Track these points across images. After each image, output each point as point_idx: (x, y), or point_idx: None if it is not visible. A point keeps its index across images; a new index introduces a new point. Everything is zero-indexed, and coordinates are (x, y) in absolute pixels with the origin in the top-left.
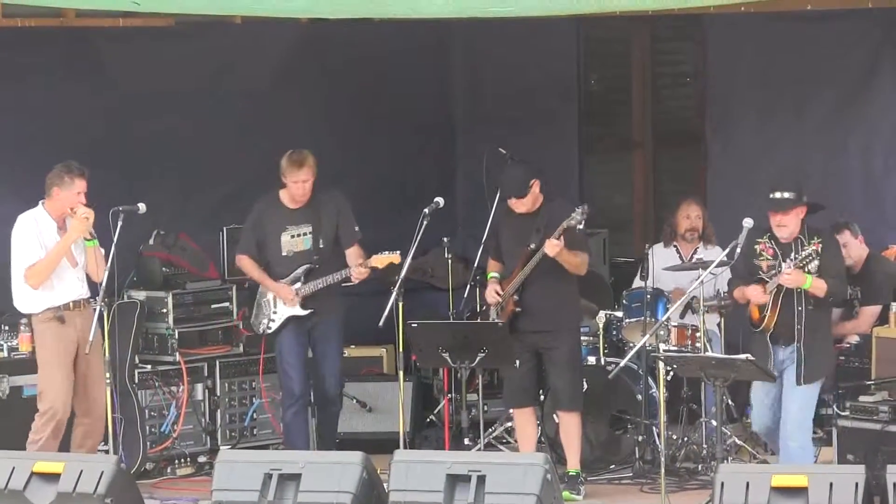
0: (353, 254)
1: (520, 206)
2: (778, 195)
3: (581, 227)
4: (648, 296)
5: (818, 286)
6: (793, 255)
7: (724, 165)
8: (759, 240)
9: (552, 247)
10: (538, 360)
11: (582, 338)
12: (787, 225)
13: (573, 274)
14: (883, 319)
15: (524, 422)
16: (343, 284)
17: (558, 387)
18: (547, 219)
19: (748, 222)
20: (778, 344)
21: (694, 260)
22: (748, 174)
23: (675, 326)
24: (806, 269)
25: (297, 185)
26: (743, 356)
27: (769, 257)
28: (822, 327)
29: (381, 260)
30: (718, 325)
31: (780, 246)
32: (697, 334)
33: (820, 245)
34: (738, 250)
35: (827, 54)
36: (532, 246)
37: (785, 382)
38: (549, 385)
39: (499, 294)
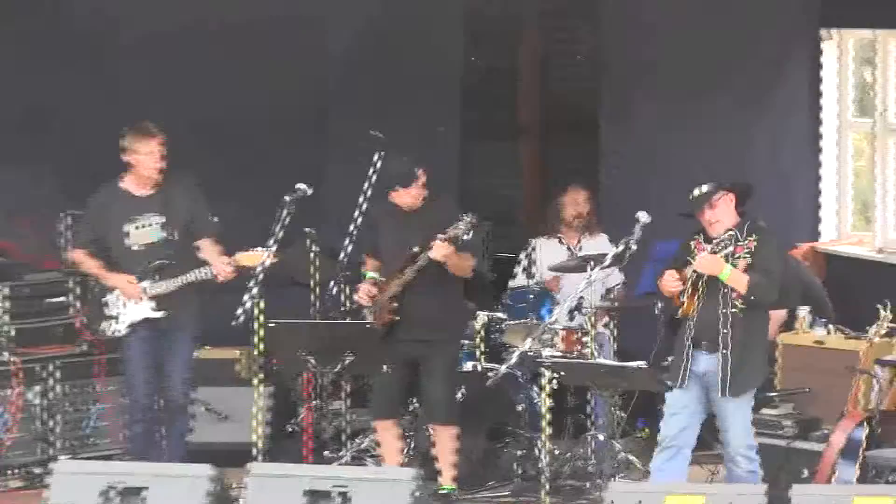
0: (208, 248)
1: (405, 198)
2: (696, 192)
3: (467, 237)
4: (533, 295)
5: (737, 279)
6: (705, 245)
7: (620, 153)
8: (695, 236)
9: (440, 250)
10: (411, 370)
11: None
12: (718, 219)
13: (458, 277)
14: (789, 325)
15: (388, 435)
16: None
17: (433, 398)
18: (433, 219)
19: (643, 216)
20: (700, 349)
21: (581, 252)
22: (647, 163)
23: (562, 329)
24: (730, 262)
25: (147, 157)
26: (636, 363)
27: (696, 251)
28: (754, 334)
29: (251, 258)
30: (608, 326)
31: (710, 241)
32: (586, 339)
33: (755, 242)
34: (632, 247)
35: (734, 37)
36: (415, 249)
37: (713, 393)
38: (422, 396)
39: (372, 295)
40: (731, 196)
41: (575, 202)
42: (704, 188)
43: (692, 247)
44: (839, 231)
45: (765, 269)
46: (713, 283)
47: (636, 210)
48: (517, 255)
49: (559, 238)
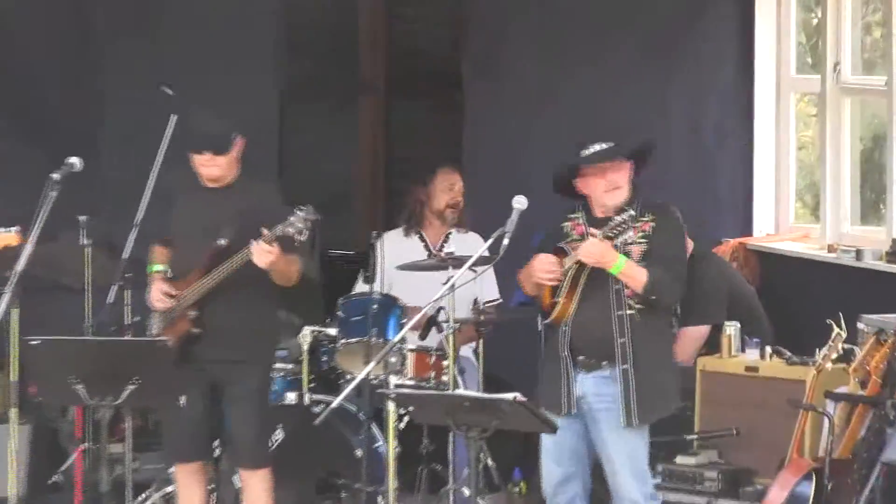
0: None
1: (212, 168)
2: (596, 147)
3: (302, 238)
4: (375, 306)
5: (633, 273)
6: (592, 230)
7: (488, 123)
8: (571, 216)
9: (264, 255)
10: (214, 400)
11: (278, 365)
12: (619, 185)
13: (278, 284)
14: (711, 346)
15: (190, 483)
16: None
17: (242, 437)
18: (244, 205)
19: (520, 202)
20: (581, 366)
21: (443, 252)
22: (524, 134)
23: (412, 351)
24: (622, 250)
25: None
26: (510, 395)
27: (576, 237)
28: (657, 343)
29: None
30: (476, 351)
31: (594, 222)
32: (444, 363)
33: (652, 223)
34: (506, 240)
35: None
36: (223, 242)
37: (600, 426)
38: (228, 434)
39: (170, 297)
40: (629, 165)
41: (449, 188)
42: (605, 145)
43: (568, 229)
44: (777, 223)
45: (665, 258)
46: (598, 277)
47: (510, 194)
48: (353, 253)
49: (421, 234)
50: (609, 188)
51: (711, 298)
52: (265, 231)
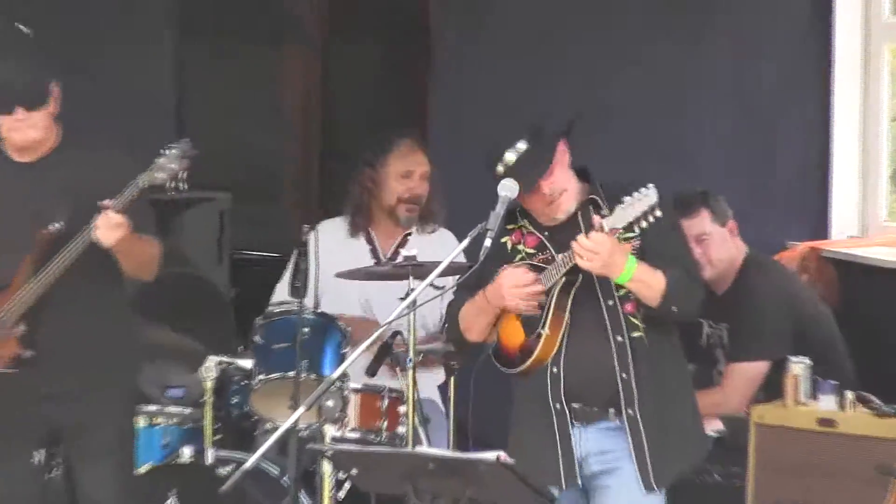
0: None
1: (26, 131)
2: (510, 157)
3: (180, 186)
4: (306, 329)
5: (646, 279)
6: (603, 218)
7: (464, 83)
8: (511, 226)
9: (110, 230)
10: (56, 452)
11: (171, 409)
12: (554, 196)
13: (135, 277)
14: (770, 390)
15: None
16: None
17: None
18: (79, 176)
19: (508, 188)
20: (581, 418)
21: (400, 258)
22: (509, 102)
23: (357, 392)
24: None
25: None
26: (491, 454)
27: (532, 251)
28: (671, 371)
29: None
30: (445, 393)
31: (551, 231)
32: (401, 409)
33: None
34: (488, 241)
35: None
36: (56, 226)
37: (608, 495)
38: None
39: None
40: (563, 145)
41: (405, 174)
42: (523, 145)
43: (509, 245)
44: (864, 222)
45: (673, 253)
46: (585, 290)
47: (484, 180)
48: (278, 255)
49: (370, 234)
50: (544, 205)
51: (770, 324)
52: (108, 202)
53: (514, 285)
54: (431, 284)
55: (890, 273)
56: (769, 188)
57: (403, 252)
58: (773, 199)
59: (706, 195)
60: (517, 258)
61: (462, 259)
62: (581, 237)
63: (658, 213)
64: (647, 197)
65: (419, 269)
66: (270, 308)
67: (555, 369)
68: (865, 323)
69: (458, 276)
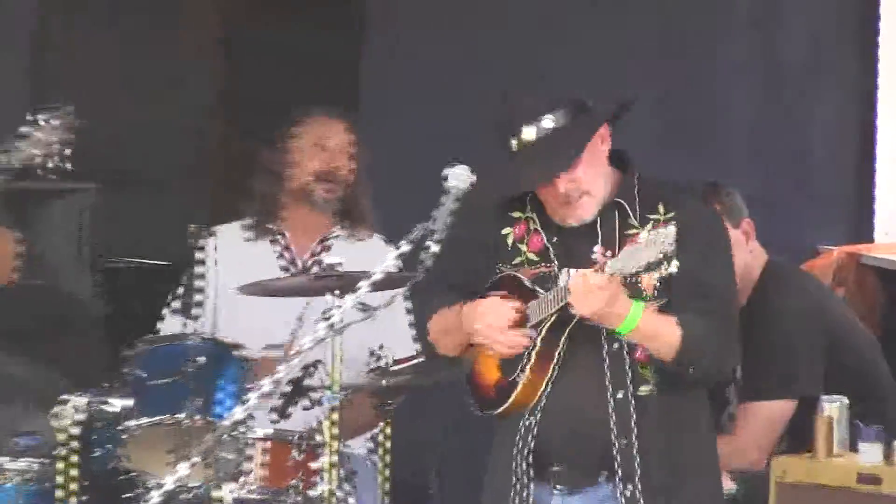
0: None
1: None
2: (529, 132)
3: (48, 162)
4: (197, 359)
5: (654, 331)
6: (597, 249)
7: (405, 53)
8: (518, 215)
9: None
10: None
11: (20, 464)
12: (571, 197)
13: None
14: (796, 437)
15: None
16: None
17: None
18: None
19: (459, 177)
20: (561, 482)
21: (318, 267)
22: (459, 76)
23: (263, 440)
24: (636, 284)
25: None
26: None
27: (534, 258)
28: (689, 439)
29: None
30: (375, 442)
31: (562, 235)
32: (319, 462)
33: (672, 220)
34: (433, 247)
35: None
36: None
37: None
38: None
39: None
40: (604, 130)
41: (318, 144)
42: (550, 122)
43: (510, 240)
44: None
45: (703, 290)
46: (585, 335)
47: (438, 168)
48: (166, 263)
49: (282, 238)
50: (558, 205)
51: (796, 353)
52: None
53: (492, 326)
54: (359, 303)
55: None
56: (797, 179)
57: (324, 260)
58: (801, 191)
59: (715, 188)
60: (517, 260)
61: (400, 268)
62: (575, 278)
63: (674, 265)
64: (662, 238)
65: (344, 282)
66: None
67: (529, 420)
68: None
69: (397, 290)
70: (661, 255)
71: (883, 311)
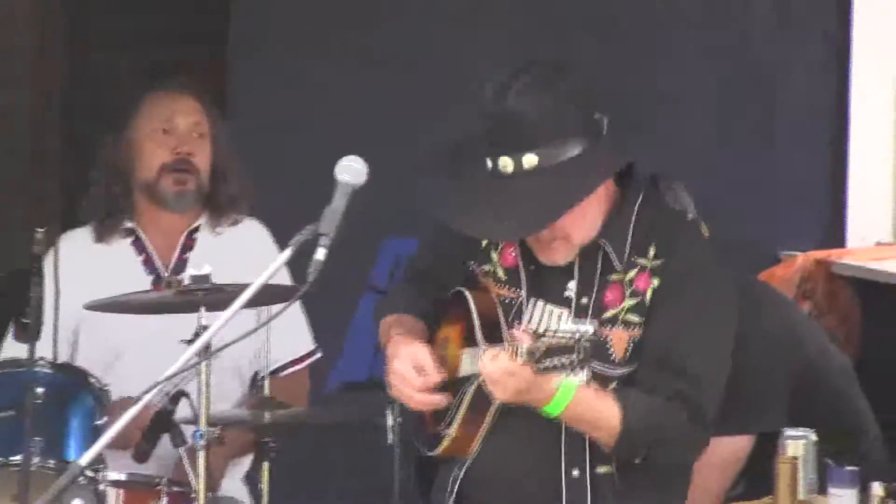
0: None
1: None
2: (504, 164)
3: None
4: (40, 389)
5: (589, 415)
6: (522, 327)
7: (281, 14)
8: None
9: None
10: None
11: None
12: (543, 242)
13: None
14: (756, 478)
15: None
16: None
17: None
18: None
19: (352, 169)
20: None
21: (187, 273)
22: (345, 40)
23: (119, 485)
24: (604, 346)
25: None
26: None
27: (502, 275)
28: None
29: None
30: (256, 483)
31: (539, 265)
32: None
33: (657, 272)
34: (322, 254)
35: None
36: None
37: None
38: None
39: None
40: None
41: (165, 123)
42: (527, 159)
43: (494, 255)
44: None
45: (680, 367)
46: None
47: (332, 156)
48: (6, 273)
49: (138, 237)
50: (546, 242)
51: (753, 381)
52: None
53: (401, 380)
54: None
55: None
56: (757, 172)
57: (189, 269)
58: (761, 188)
59: (654, 180)
60: (487, 266)
61: (285, 279)
62: (486, 360)
63: (582, 375)
64: (576, 333)
65: (215, 297)
66: None
67: (457, 471)
68: None
69: (282, 304)
70: (574, 356)
71: (857, 327)
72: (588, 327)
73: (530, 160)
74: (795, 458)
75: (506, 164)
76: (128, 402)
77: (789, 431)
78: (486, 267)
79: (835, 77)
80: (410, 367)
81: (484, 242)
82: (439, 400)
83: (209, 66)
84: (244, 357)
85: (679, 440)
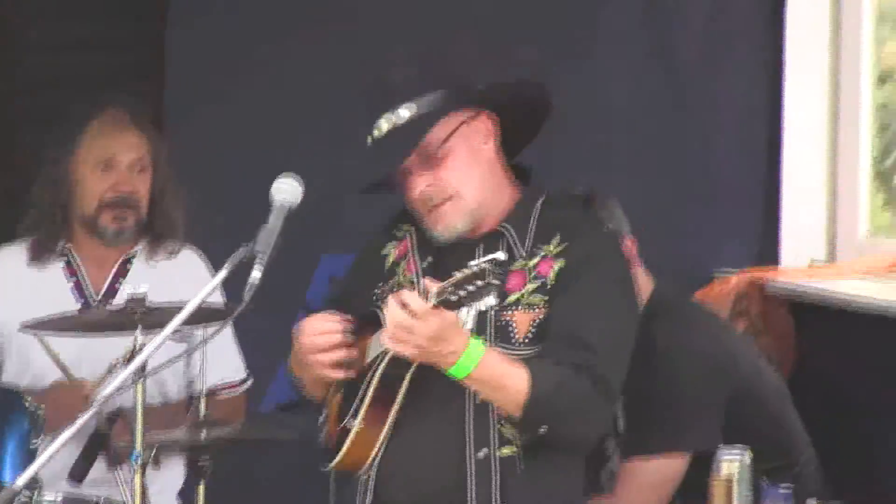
0: None
1: None
2: (389, 120)
3: None
4: None
5: (497, 379)
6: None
7: (216, 22)
8: (401, 231)
9: None
10: None
11: None
12: (432, 199)
13: None
14: (690, 499)
15: None
16: None
17: None
18: None
19: (286, 189)
20: None
21: (121, 295)
22: (289, 46)
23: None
24: (506, 326)
25: None
26: None
27: (409, 279)
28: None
29: None
30: (185, 496)
31: (438, 257)
32: None
33: (559, 255)
34: (257, 273)
35: None
36: None
37: None
38: None
39: None
40: (489, 124)
41: (105, 158)
42: (406, 110)
43: (390, 259)
44: (833, 240)
45: (586, 343)
46: (442, 381)
47: (269, 173)
48: None
49: (67, 258)
50: (425, 206)
51: (688, 400)
52: None
53: (309, 334)
54: (174, 336)
55: (877, 319)
56: (690, 188)
57: (127, 287)
58: (694, 203)
59: (588, 196)
60: (394, 281)
61: (218, 298)
62: (391, 302)
63: (491, 301)
64: (489, 262)
65: (151, 317)
66: None
67: (366, 475)
68: (836, 395)
69: (216, 325)
70: (478, 280)
71: (792, 347)
72: (498, 255)
73: (404, 112)
74: (730, 476)
75: (382, 124)
76: (61, 384)
77: (723, 450)
78: (394, 280)
79: (766, 93)
80: (316, 321)
81: (388, 261)
82: (337, 341)
83: (146, 76)
84: (174, 378)
85: (584, 410)
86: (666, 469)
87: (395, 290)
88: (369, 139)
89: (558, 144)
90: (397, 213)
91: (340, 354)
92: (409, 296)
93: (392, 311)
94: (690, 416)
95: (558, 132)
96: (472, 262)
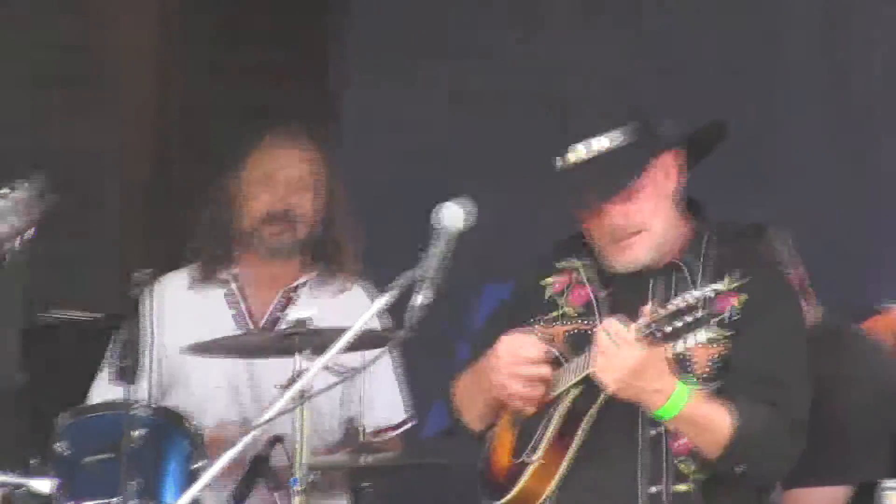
0: None
1: None
2: (579, 150)
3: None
4: (139, 432)
5: (700, 420)
6: (650, 307)
7: (391, 51)
8: (560, 264)
9: None
10: None
11: None
12: (622, 236)
13: None
14: None
15: None
16: None
17: None
18: None
19: (454, 215)
20: None
21: (288, 321)
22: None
23: None
24: (687, 360)
25: None
26: None
27: (572, 313)
28: None
29: None
30: None
31: (613, 287)
32: None
33: (739, 295)
34: (422, 298)
35: None
36: None
37: None
38: None
39: None
40: (674, 158)
41: (266, 174)
42: (606, 140)
43: (553, 293)
44: None
45: (769, 375)
46: (617, 415)
47: (430, 199)
48: (106, 314)
49: (230, 285)
50: (612, 238)
51: (854, 431)
52: None
53: (511, 355)
54: (332, 365)
55: None
56: (856, 222)
57: (290, 314)
58: (861, 238)
59: (760, 230)
60: (552, 314)
61: (378, 324)
62: (601, 329)
63: (703, 335)
64: (704, 295)
65: (313, 340)
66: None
67: None
68: None
69: (378, 351)
70: (690, 314)
71: None
72: (718, 285)
73: (601, 142)
74: None
75: (578, 151)
76: (224, 426)
77: (887, 483)
78: (553, 314)
79: None
80: (517, 342)
81: (548, 293)
82: (544, 373)
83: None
84: (330, 418)
85: (780, 449)
86: (829, 500)
87: (558, 320)
88: (557, 164)
89: (733, 174)
90: (556, 244)
91: (545, 371)
92: (613, 323)
93: (601, 337)
94: (857, 447)
95: (742, 171)
96: (694, 292)
